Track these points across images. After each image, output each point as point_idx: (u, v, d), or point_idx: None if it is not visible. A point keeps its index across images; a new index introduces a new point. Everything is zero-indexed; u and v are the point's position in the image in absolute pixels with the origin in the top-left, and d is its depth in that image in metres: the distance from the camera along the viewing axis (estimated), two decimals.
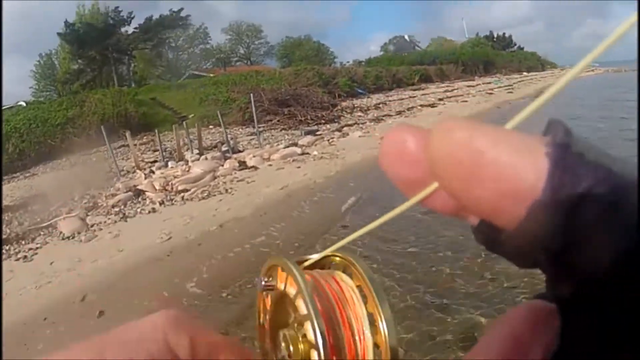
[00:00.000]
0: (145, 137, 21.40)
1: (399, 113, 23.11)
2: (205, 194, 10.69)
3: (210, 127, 21.73)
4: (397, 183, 0.29)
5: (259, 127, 18.73)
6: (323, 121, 20.95)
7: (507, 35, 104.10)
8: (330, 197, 9.68)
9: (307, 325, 0.42)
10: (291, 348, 0.43)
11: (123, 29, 46.28)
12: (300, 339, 0.43)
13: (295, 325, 0.44)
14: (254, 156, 13.83)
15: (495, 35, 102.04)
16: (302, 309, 0.43)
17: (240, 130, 20.46)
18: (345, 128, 18.82)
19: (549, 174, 0.23)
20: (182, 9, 48.05)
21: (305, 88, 26.45)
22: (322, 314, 0.41)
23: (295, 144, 15.59)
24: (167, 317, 0.42)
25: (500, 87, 42.54)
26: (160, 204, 10.38)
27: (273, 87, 25.73)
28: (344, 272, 0.48)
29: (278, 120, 21.42)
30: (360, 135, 16.54)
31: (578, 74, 0.25)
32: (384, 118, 21.14)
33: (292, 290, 0.45)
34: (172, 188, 11.37)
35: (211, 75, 41.72)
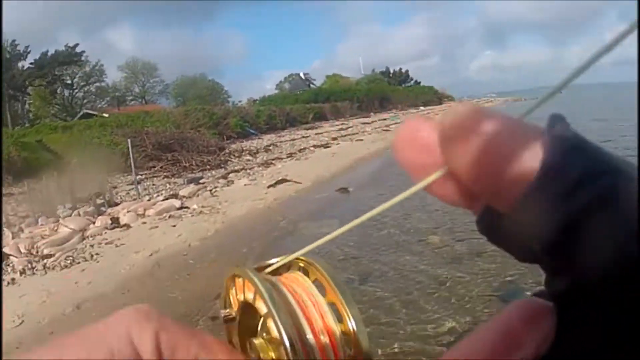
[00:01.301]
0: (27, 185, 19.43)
1: (290, 155, 22.60)
2: (69, 261, 9.49)
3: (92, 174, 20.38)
4: (408, 169, 0.30)
5: (141, 175, 17.92)
6: (208, 167, 20.22)
7: (403, 70, 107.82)
8: (203, 269, 8.55)
9: (271, 324, 0.43)
10: (261, 355, 0.44)
11: (20, 64, 44.27)
12: (269, 345, 0.44)
13: (261, 330, 0.46)
14: (128, 211, 12.79)
15: (392, 71, 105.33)
16: (263, 309, 0.44)
17: (122, 178, 19.36)
18: (231, 174, 18.12)
19: (544, 159, 0.25)
20: (77, 44, 46.63)
21: (192, 130, 25.73)
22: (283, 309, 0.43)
23: (176, 195, 14.87)
24: (134, 312, 0.42)
25: (397, 123, 43.31)
26: (22, 273, 9.06)
27: (158, 129, 24.74)
28: (303, 272, 0.50)
29: (161, 167, 20.45)
30: (247, 183, 15.92)
31: (577, 76, 0.26)
32: (273, 162, 20.55)
33: (250, 295, 0.47)
34: (37, 251, 10.12)
35: (105, 115, 39.99)
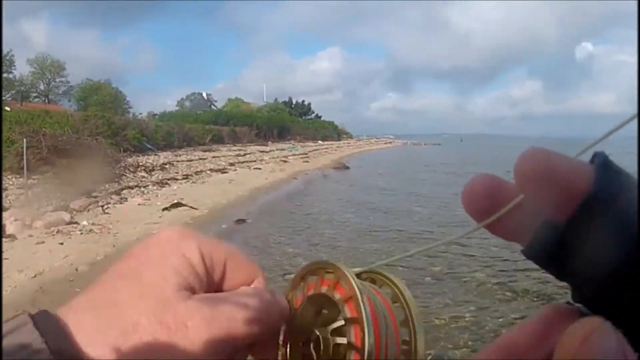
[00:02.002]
0: None
1: (186, 177, 22.08)
2: None
3: None
4: (475, 213, 0.36)
5: (33, 180, 16.95)
6: (102, 179, 19.53)
7: (306, 102, 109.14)
8: None
9: (351, 328, 0.47)
10: (322, 347, 0.48)
11: None
12: (335, 340, 0.48)
13: (334, 331, 0.48)
14: (15, 219, 12.00)
15: (295, 102, 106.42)
16: (347, 312, 0.47)
17: (14, 180, 18.00)
18: (125, 191, 17.52)
19: (596, 180, 0.31)
20: None
21: (89, 138, 24.62)
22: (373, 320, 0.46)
23: (66, 207, 14.12)
24: (178, 231, 0.54)
25: (295, 154, 43.68)
26: None
27: (56, 132, 23.36)
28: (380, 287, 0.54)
29: (54, 173, 19.45)
30: (140, 202, 15.30)
31: (619, 128, 0.33)
32: (168, 182, 19.98)
33: (337, 295, 0.49)
34: None
35: (7, 108, 37.43)
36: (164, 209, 14.32)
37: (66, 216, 12.93)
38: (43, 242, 10.78)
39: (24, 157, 15.32)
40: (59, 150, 20.68)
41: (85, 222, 12.58)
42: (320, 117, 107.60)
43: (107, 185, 18.45)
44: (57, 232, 11.62)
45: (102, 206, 14.61)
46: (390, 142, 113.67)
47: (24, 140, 16.43)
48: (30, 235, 11.25)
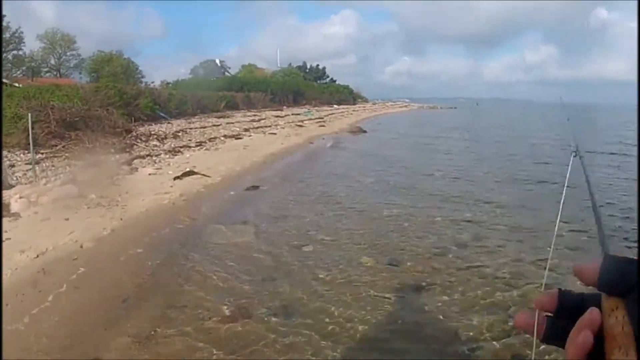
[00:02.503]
0: None
1: (200, 144, 21.45)
2: None
3: None
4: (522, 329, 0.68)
5: (41, 154, 16.41)
6: (113, 150, 18.96)
7: (320, 66, 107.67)
8: (93, 281, 7.17)
9: None
10: None
11: None
12: None
13: None
14: (20, 197, 11.28)
15: (309, 66, 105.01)
16: None
17: (22, 156, 17.21)
18: (136, 161, 16.96)
19: (601, 268, 0.62)
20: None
21: (100, 109, 23.95)
22: None
23: (74, 181, 13.62)
24: None
25: (311, 119, 42.89)
26: None
27: (65, 105, 22.74)
28: None
29: (63, 147, 18.87)
30: (151, 172, 14.69)
31: None
32: (181, 150, 19.34)
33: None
34: None
35: (17, 84, 36.83)
36: (175, 178, 13.71)
37: (74, 190, 12.34)
38: (48, 218, 10.12)
39: (30, 132, 14.62)
40: (68, 123, 20.03)
41: (93, 195, 11.95)
42: (335, 81, 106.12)
43: (118, 156, 17.86)
44: (64, 207, 10.99)
45: (112, 177, 13.99)
46: (406, 106, 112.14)
47: (29, 115, 15.70)
48: (36, 212, 10.59)
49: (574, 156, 0.97)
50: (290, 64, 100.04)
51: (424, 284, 7.19)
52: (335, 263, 7.95)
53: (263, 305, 6.38)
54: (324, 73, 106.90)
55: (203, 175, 14.23)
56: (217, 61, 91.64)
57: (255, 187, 13.29)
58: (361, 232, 9.65)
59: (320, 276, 7.39)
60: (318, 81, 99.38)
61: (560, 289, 0.68)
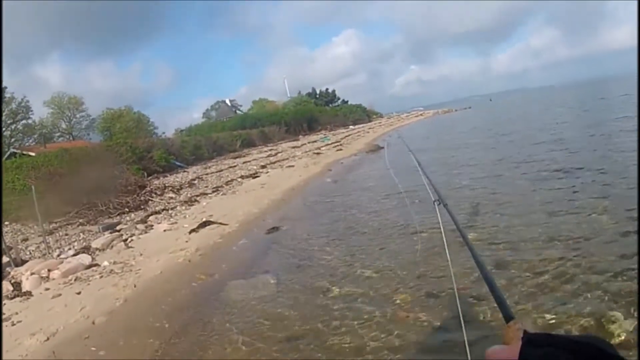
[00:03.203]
0: None
1: (216, 190, 20.71)
2: None
3: (7, 223, 18.20)
4: None
5: (55, 224, 15.89)
6: (127, 209, 18.32)
7: (329, 90, 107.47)
8: None
9: None
10: None
11: None
12: None
13: None
14: (32, 273, 10.67)
15: (318, 91, 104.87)
16: None
17: (35, 228, 16.60)
18: (151, 217, 16.30)
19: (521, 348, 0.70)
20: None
21: (110, 168, 23.46)
22: None
23: (88, 248, 12.94)
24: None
25: (327, 144, 42.22)
26: None
27: (73, 169, 22.27)
28: None
29: (76, 213, 18.38)
30: (166, 228, 13.96)
31: None
32: (198, 199, 18.65)
33: None
34: None
35: (31, 153, 36.78)
36: (191, 231, 12.97)
37: (86, 259, 11.70)
38: (60, 294, 9.43)
39: (35, 203, 14.01)
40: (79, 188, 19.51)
41: (106, 263, 11.26)
42: (346, 102, 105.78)
43: (132, 215, 17.25)
44: (76, 279, 10.29)
45: (125, 240, 13.32)
46: (421, 114, 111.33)
47: (32, 187, 15.12)
48: (47, 289, 9.92)
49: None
50: (299, 92, 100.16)
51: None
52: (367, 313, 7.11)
53: None
54: (335, 96, 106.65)
55: (220, 224, 13.48)
56: (227, 101, 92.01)
57: (274, 229, 12.47)
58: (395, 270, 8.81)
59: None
60: (330, 105, 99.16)
61: (524, 337, 0.64)
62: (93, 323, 7.75)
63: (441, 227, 2.77)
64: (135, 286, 9.32)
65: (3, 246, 12.21)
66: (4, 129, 52.98)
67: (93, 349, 6.86)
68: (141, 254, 11.55)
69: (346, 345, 6.05)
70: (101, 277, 10.27)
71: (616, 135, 20.01)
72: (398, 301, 7.04)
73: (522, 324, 0.90)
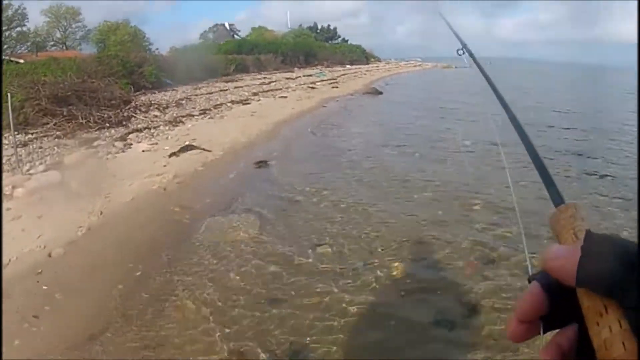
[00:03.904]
0: None
1: (204, 112, 19.36)
2: None
3: None
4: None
5: (32, 134, 14.69)
6: (108, 124, 17.01)
7: (331, 27, 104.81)
8: (57, 308, 5.41)
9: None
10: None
11: None
12: None
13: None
14: None
15: (320, 27, 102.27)
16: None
17: (11, 138, 15.49)
18: (132, 135, 15.09)
19: (579, 262, 0.52)
20: None
21: (95, 80, 21.94)
22: None
23: (60, 164, 11.80)
24: None
25: (323, 80, 40.81)
26: None
27: (57, 79, 20.72)
28: None
29: (55, 124, 17.01)
30: (145, 148, 12.81)
31: None
32: (183, 119, 17.36)
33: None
34: None
35: (20, 61, 34.82)
36: (170, 155, 11.81)
37: (56, 176, 10.52)
38: (20, 216, 8.24)
39: (9, 113, 12.66)
40: (60, 98, 18.09)
41: (74, 183, 10.10)
42: (347, 41, 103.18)
43: (113, 131, 15.97)
44: (40, 200, 9.12)
45: (101, 158, 12.13)
46: (419, 65, 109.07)
47: (8, 95, 13.70)
48: (8, 209, 8.71)
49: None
50: (300, 25, 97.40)
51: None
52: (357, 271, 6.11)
53: (266, 348, 4.58)
54: (336, 33, 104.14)
55: (203, 149, 12.34)
56: (226, 25, 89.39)
57: (262, 163, 11.35)
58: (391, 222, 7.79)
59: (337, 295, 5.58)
60: (330, 42, 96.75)
61: (585, 241, 0.54)
62: (49, 255, 6.69)
63: None
64: (101, 213, 8.22)
65: None
66: None
67: (45, 287, 5.82)
68: (115, 175, 10.39)
69: (330, 317, 5.09)
70: (67, 198, 9.12)
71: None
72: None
73: (576, 209, 0.71)
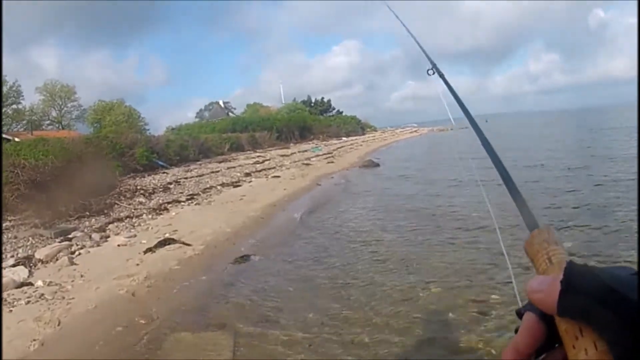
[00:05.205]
0: None
1: (191, 198, 18.48)
2: None
3: None
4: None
5: (10, 221, 14.01)
6: (88, 213, 16.15)
7: (325, 99, 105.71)
8: None
9: None
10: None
11: None
12: None
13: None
14: None
15: (314, 100, 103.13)
16: None
17: None
18: (113, 225, 14.29)
19: (560, 295, 0.56)
20: None
21: (77, 164, 21.18)
22: None
23: (30, 258, 10.94)
24: None
25: (318, 155, 40.42)
26: None
27: (38, 162, 19.95)
28: None
29: (33, 211, 16.22)
30: (122, 242, 11.89)
31: None
32: (168, 207, 16.54)
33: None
34: None
35: (16, 139, 34.54)
36: (146, 251, 10.91)
37: (22, 274, 9.66)
38: None
39: None
40: (39, 183, 17.35)
41: (40, 282, 9.19)
42: (341, 112, 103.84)
43: (93, 220, 15.13)
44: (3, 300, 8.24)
45: (73, 253, 11.26)
46: (416, 131, 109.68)
47: None
48: None
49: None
50: (294, 99, 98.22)
51: None
52: None
53: None
54: (330, 105, 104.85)
55: (183, 243, 11.42)
56: (221, 102, 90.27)
57: (244, 259, 10.36)
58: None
59: None
60: (324, 114, 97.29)
61: (565, 272, 0.58)
62: None
63: None
64: (59, 324, 7.29)
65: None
66: None
67: None
68: (82, 276, 9.48)
69: None
70: (28, 302, 8.22)
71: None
72: None
73: (548, 233, 0.73)
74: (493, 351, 5.86)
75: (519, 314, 0.64)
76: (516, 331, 0.63)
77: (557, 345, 0.60)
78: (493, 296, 7.55)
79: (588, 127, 65.37)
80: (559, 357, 0.59)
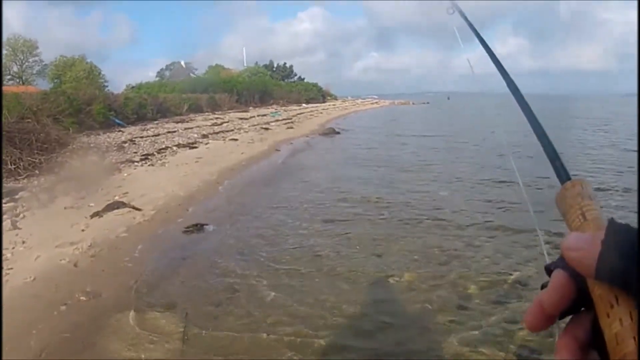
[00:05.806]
0: None
1: (145, 158, 17.62)
2: None
3: None
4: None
5: None
6: (38, 171, 15.20)
7: (287, 65, 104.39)
8: None
9: None
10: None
11: None
12: None
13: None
14: None
15: (276, 65, 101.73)
16: None
17: None
18: (60, 185, 13.38)
19: (599, 256, 0.49)
20: None
21: (29, 120, 20.03)
22: None
23: None
24: None
25: (278, 120, 39.73)
26: None
27: None
28: None
29: None
30: (68, 205, 10.94)
31: None
32: (121, 167, 15.70)
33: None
34: None
35: None
36: (93, 215, 10.14)
37: None
38: None
39: None
40: None
41: None
42: (303, 79, 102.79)
43: (42, 179, 14.19)
44: None
45: (17, 215, 10.39)
46: (377, 103, 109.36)
47: None
48: None
49: None
50: (256, 63, 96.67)
51: None
52: None
53: None
54: (292, 71, 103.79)
55: (132, 207, 10.65)
56: (182, 63, 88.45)
57: (196, 227, 9.69)
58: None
59: None
60: (286, 80, 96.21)
61: (607, 231, 0.51)
62: None
63: None
64: None
65: None
66: None
67: None
68: (24, 242, 8.66)
69: None
70: None
71: None
72: None
73: (582, 187, 0.66)
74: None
75: (548, 270, 0.57)
76: (542, 288, 0.57)
77: (582, 309, 0.55)
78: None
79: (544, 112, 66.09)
80: (585, 322, 0.54)
